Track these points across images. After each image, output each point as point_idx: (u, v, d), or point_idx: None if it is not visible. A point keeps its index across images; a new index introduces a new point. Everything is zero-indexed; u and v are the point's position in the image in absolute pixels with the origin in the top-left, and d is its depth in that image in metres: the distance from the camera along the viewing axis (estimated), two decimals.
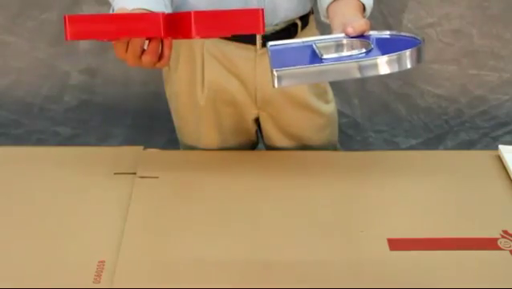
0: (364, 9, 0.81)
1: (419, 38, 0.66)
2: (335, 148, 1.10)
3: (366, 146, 1.65)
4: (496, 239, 0.80)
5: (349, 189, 0.87)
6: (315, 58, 0.64)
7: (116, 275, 0.73)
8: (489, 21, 1.51)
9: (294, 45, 0.72)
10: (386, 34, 0.71)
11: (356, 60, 0.60)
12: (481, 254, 0.77)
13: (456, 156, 1.01)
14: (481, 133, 1.69)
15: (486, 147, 1.67)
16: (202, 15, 0.54)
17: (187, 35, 0.55)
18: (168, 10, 0.80)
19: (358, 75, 0.60)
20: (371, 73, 0.60)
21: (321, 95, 1.02)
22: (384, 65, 0.60)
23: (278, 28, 0.92)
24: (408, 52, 0.61)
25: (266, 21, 0.90)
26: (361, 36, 0.70)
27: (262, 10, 0.56)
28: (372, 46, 0.65)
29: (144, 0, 0.76)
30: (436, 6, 1.50)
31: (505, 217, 0.84)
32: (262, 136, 1.09)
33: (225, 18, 0.55)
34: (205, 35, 0.55)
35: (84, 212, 0.83)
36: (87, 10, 1.45)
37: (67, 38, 0.54)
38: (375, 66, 0.60)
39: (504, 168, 0.94)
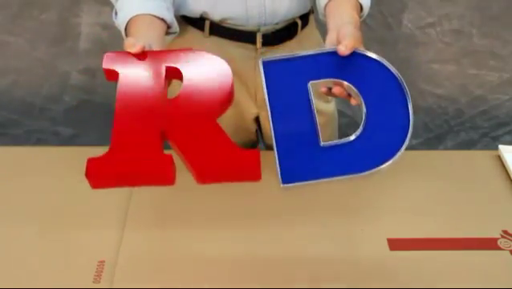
0: (362, 8, 0.80)
1: (409, 107, 0.68)
2: None
3: None
4: (496, 239, 0.80)
5: (349, 188, 0.87)
6: (314, 141, 0.69)
7: (116, 275, 0.73)
8: (489, 21, 1.51)
9: (288, 67, 0.71)
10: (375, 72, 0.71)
11: (353, 173, 0.67)
12: (481, 254, 0.77)
13: (456, 156, 1.01)
14: (481, 133, 1.69)
15: (486, 147, 1.67)
16: (200, 167, 0.59)
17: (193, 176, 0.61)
18: (170, 12, 0.81)
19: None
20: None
21: (321, 95, 1.02)
22: (378, 171, 0.67)
23: (278, 27, 0.92)
24: (395, 158, 0.66)
25: (266, 20, 0.91)
26: (354, 53, 0.69)
27: (259, 154, 0.61)
28: (364, 108, 0.68)
29: (148, 5, 0.77)
30: (436, 6, 1.50)
31: (505, 217, 0.84)
32: (261, 136, 1.09)
33: (225, 163, 0.60)
34: (208, 183, 0.60)
35: (84, 212, 0.83)
36: (87, 9, 1.45)
37: (92, 188, 0.59)
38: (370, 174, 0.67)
39: (504, 168, 0.94)
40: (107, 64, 0.67)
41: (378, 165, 0.66)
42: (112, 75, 0.68)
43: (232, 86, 0.66)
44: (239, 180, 0.60)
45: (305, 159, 0.68)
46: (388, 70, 0.69)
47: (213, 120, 0.63)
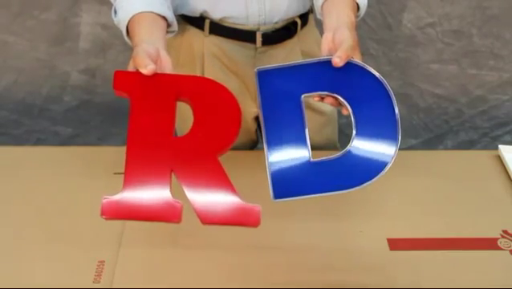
0: (359, 8, 0.80)
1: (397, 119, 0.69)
2: (335, 148, 1.10)
3: None
4: (496, 239, 0.80)
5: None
6: (305, 156, 0.69)
7: (116, 275, 0.73)
8: (489, 21, 1.51)
9: (282, 77, 0.71)
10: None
11: (343, 189, 0.68)
12: (481, 254, 0.78)
13: (456, 156, 1.01)
14: (481, 133, 1.69)
15: (486, 147, 1.67)
16: (204, 209, 0.65)
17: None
18: (171, 11, 0.81)
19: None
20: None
21: None
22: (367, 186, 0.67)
23: (278, 26, 0.92)
24: (383, 173, 0.67)
25: (266, 19, 0.91)
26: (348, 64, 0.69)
27: (259, 209, 0.66)
28: (354, 123, 0.70)
29: (150, 3, 0.77)
30: (436, 6, 1.49)
31: (505, 217, 0.84)
32: (262, 135, 1.09)
33: (227, 209, 0.65)
34: (211, 224, 0.65)
35: (84, 212, 0.83)
36: (87, 9, 1.45)
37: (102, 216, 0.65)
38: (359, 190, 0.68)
39: (504, 168, 0.94)
40: (118, 85, 0.68)
41: (367, 180, 0.67)
42: (121, 94, 0.68)
43: (239, 122, 0.69)
44: (239, 225, 0.65)
45: (296, 174, 0.69)
46: (379, 82, 0.70)
47: (220, 169, 0.66)
